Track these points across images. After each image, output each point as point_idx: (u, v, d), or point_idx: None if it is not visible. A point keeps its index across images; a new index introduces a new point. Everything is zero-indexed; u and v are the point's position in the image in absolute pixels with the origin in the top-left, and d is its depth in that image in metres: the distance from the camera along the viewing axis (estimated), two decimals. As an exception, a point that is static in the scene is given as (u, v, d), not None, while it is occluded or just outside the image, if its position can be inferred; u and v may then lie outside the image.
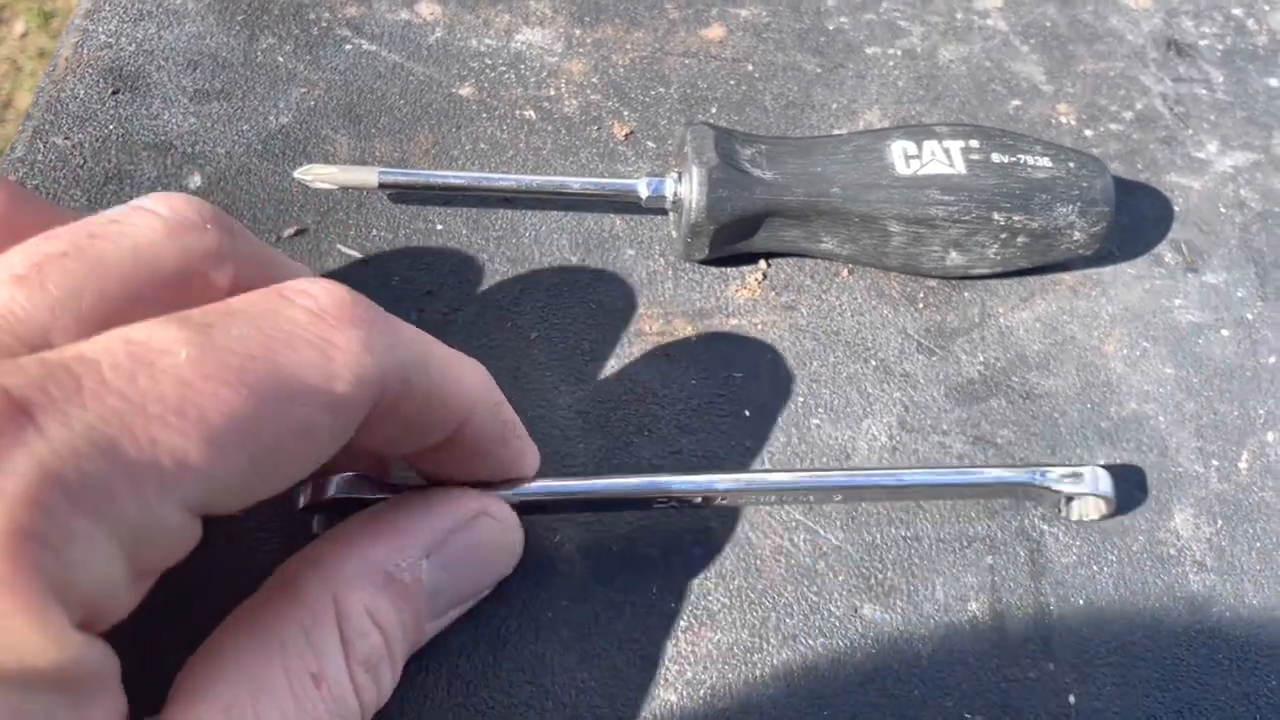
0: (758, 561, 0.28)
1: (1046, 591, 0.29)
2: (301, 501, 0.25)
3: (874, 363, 0.32)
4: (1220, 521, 0.31)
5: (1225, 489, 0.31)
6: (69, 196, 0.32)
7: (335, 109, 0.35)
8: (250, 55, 0.36)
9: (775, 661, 0.27)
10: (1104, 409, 0.32)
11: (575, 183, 0.32)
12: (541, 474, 0.26)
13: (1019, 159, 0.32)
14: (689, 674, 0.27)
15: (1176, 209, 0.37)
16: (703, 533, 0.29)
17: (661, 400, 0.31)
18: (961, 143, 0.32)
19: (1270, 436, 0.32)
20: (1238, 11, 0.43)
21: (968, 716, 0.27)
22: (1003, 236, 0.32)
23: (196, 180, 0.33)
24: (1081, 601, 0.29)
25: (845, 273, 0.34)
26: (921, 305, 0.34)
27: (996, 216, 0.31)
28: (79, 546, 0.15)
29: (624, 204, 0.34)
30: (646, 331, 0.32)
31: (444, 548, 0.23)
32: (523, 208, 0.34)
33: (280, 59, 0.36)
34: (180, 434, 0.16)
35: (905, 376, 0.32)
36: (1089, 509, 0.29)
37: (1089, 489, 0.29)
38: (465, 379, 0.22)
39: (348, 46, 0.37)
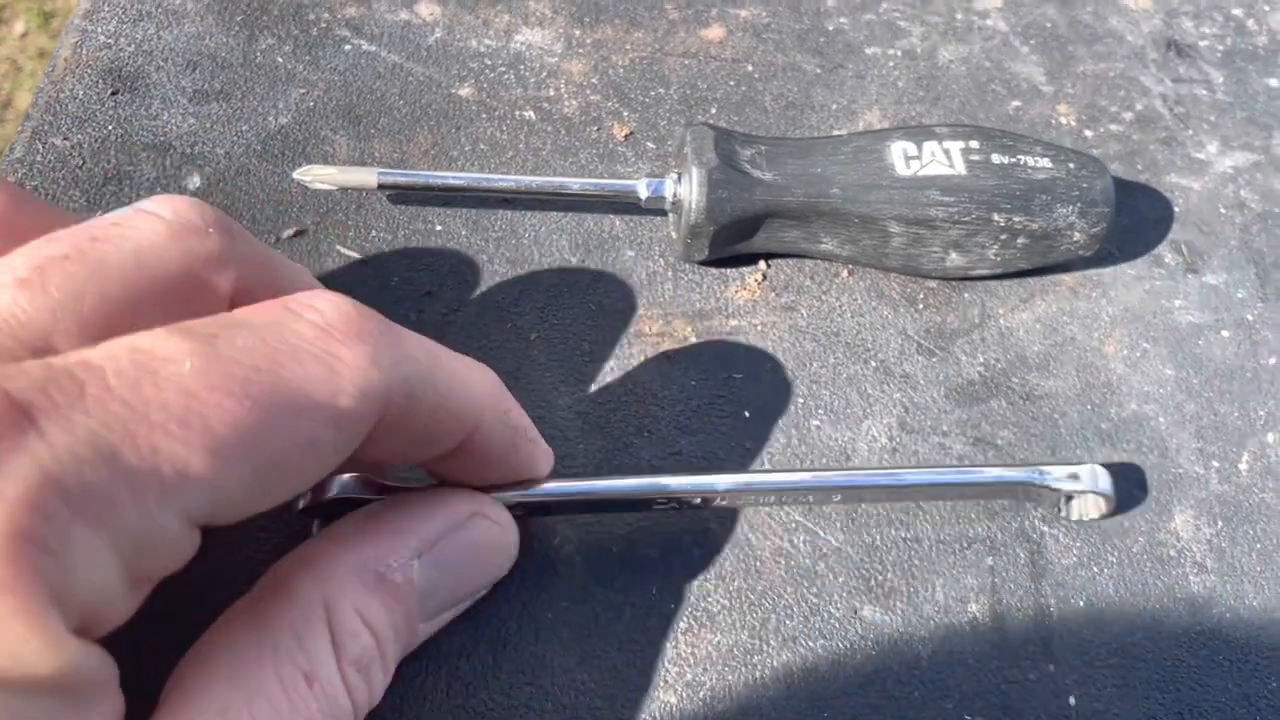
0: (758, 563, 0.28)
1: (1047, 593, 0.29)
2: (301, 504, 0.25)
3: (874, 364, 0.32)
4: (1220, 523, 0.31)
5: (1225, 490, 0.31)
6: (68, 197, 0.32)
7: (334, 109, 0.35)
8: (249, 56, 0.36)
9: (775, 663, 0.27)
10: (1104, 410, 0.32)
11: (575, 183, 0.32)
12: None
13: (1019, 160, 0.32)
14: (689, 675, 0.27)
15: (1176, 210, 0.37)
16: (702, 534, 0.29)
17: (661, 401, 0.31)
18: (961, 143, 0.32)
19: (1270, 438, 0.32)
20: (1238, 12, 0.43)
21: (968, 718, 0.27)
22: (1003, 237, 0.32)
23: (196, 181, 0.33)
24: (1082, 603, 0.29)
25: (845, 274, 0.34)
26: (921, 306, 0.34)
27: (996, 217, 0.31)
28: (78, 552, 0.15)
29: (624, 205, 0.34)
30: (646, 332, 0.32)
31: (436, 548, 0.23)
32: (522, 208, 0.34)
33: (279, 59, 0.36)
34: (183, 444, 0.16)
35: (905, 378, 0.32)
36: (1089, 508, 0.29)
37: (1088, 486, 0.29)
38: (473, 389, 0.22)
39: (347, 47, 0.37)
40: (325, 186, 0.32)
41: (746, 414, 0.31)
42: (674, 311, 0.32)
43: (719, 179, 0.30)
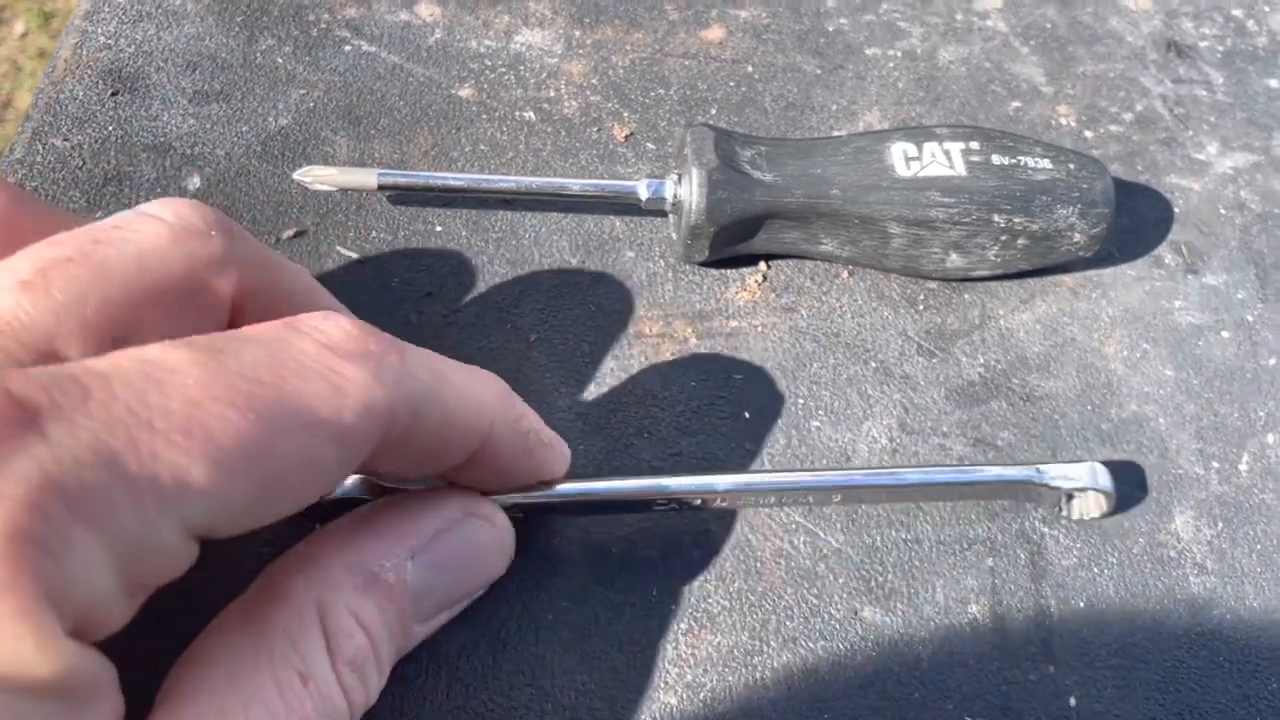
0: (758, 564, 0.28)
1: (1047, 594, 0.29)
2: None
3: (874, 365, 0.32)
4: (1221, 524, 0.31)
5: (1226, 491, 0.31)
6: (68, 198, 0.32)
7: (334, 110, 0.35)
8: (249, 56, 0.36)
9: (775, 664, 0.27)
10: (1104, 411, 0.32)
11: (575, 184, 0.32)
12: None
13: (1019, 161, 0.32)
14: (689, 676, 0.27)
15: (1176, 210, 0.37)
16: (703, 535, 0.29)
17: (661, 402, 0.31)
18: (962, 144, 0.32)
19: (1271, 438, 0.32)
20: (1238, 13, 0.43)
21: (968, 719, 0.27)
22: (1003, 238, 0.32)
23: (196, 182, 0.33)
24: (1082, 604, 0.29)
25: (845, 274, 0.34)
26: (922, 307, 0.34)
27: (997, 218, 0.31)
28: (76, 555, 0.15)
29: (624, 206, 0.34)
30: (646, 333, 0.32)
31: (430, 549, 0.23)
32: (522, 209, 0.34)
33: (279, 60, 0.36)
34: (185, 453, 0.16)
35: (905, 378, 0.32)
36: (1089, 506, 0.29)
37: (1088, 483, 0.29)
38: (480, 402, 0.22)
39: (347, 48, 0.37)
40: (325, 187, 0.32)
41: (746, 415, 0.31)
42: (674, 312, 0.32)
43: (719, 180, 0.30)
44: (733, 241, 0.32)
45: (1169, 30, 0.42)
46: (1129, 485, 0.31)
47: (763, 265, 0.34)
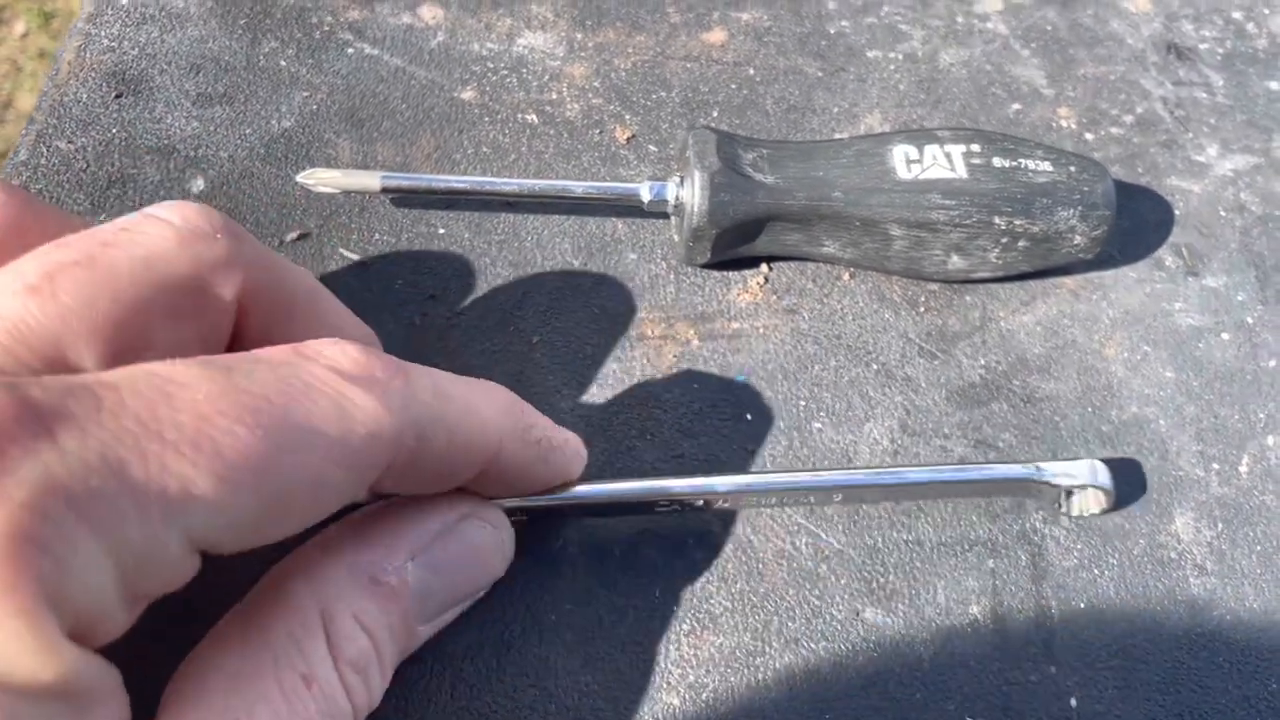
0: (760, 565, 0.29)
1: (1048, 595, 0.29)
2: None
3: (875, 366, 0.32)
4: (1221, 525, 0.31)
5: (1226, 492, 0.31)
6: (72, 200, 0.32)
7: (337, 113, 0.35)
8: (253, 59, 0.36)
9: (777, 665, 0.27)
10: (1105, 412, 0.32)
11: (577, 187, 0.33)
12: None
13: (1020, 163, 0.32)
14: (691, 677, 0.27)
15: (1177, 212, 0.37)
16: (705, 536, 0.29)
17: (663, 404, 0.31)
18: (963, 147, 0.32)
19: (1271, 440, 0.32)
20: (1238, 15, 0.43)
21: (969, 719, 0.27)
22: (1004, 240, 0.32)
23: (199, 184, 0.33)
24: (1083, 605, 0.29)
25: (847, 276, 0.34)
26: (923, 309, 0.34)
27: (998, 220, 0.32)
28: (78, 559, 0.15)
29: (626, 208, 0.34)
30: (648, 335, 0.32)
31: (430, 550, 0.23)
32: (525, 211, 0.34)
33: (283, 63, 0.36)
34: (192, 465, 0.16)
35: (907, 380, 0.32)
36: (1089, 503, 0.29)
37: (1087, 480, 0.29)
38: (486, 418, 0.22)
39: (350, 50, 0.37)
40: (328, 190, 0.32)
41: (748, 417, 0.31)
42: (676, 314, 0.33)
43: (721, 182, 0.31)
44: (735, 244, 0.32)
45: (1169, 33, 0.42)
46: (1130, 487, 0.31)
47: (764, 267, 0.34)
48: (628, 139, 0.36)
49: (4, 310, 0.19)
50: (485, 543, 0.25)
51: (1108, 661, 0.28)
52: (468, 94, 0.36)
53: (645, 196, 0.32)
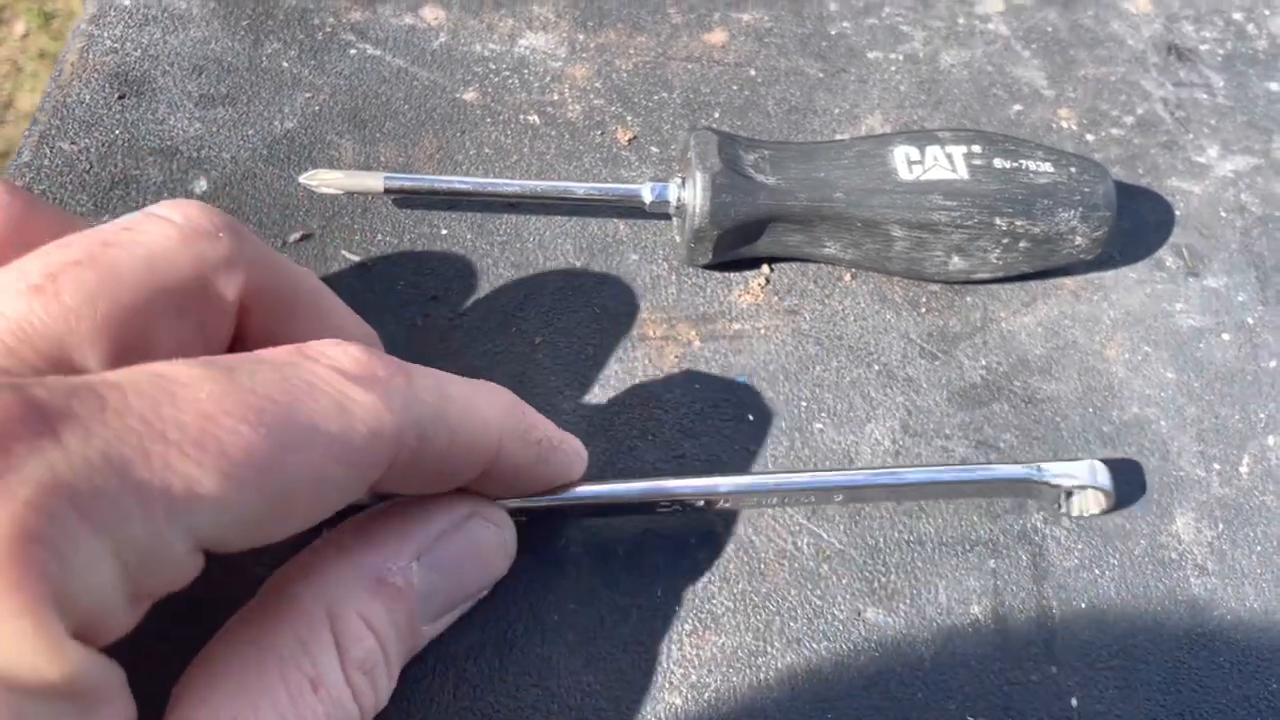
0: (761, 565, 0.29)
1: (1049, 595, 0.29)
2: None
3: (877, 367, 0.32)
4: (1221, 525, 0.31)
5: (1226, 493, 0.31)
6: (75, 201, 0.32)
7: (340, 114, 0.35)
8: (255, 60, 0.36)
9: (779, 665, 0.27)
10: (1105, 413, 0.32)
11: (579, 188, 0.33)
12: None
13: (1021, 164, 0.32)
14: (693, 677, 0.27)
15: (1177, 213, 0.37)
16: (706, 537, 0.29)
17: (665, 405, 0.31)
18: (964, 148, 0.32)
19: (1271, 440, 0.33)
20: (1238, 16, 0.43)
21: (970, 719, 0.27)
22: (1005, 241, 0.32)
23: (202, 185, 0.33)
24: (1084, 605, 0.29)
25: (848, 277, 0.34)
26: (924, 310, 0.34)
27: (999, 221, 0.32)
28: (82, 558, 0.15)
29: (628, 209, 0.34)
30: (650, 336, 0.32)
31: (434, 550, 0.23)
32: (527, 212, 0.34)
33: (285, 64, 0.36)
34: (196, 464, 0.16)
35: (908, 381, 0.32)
36: (1089, 503, 0.29)
37: (1087, 481, 0.29)
38: (487, 419, 0.22)
39: (352, 51, 0.37)
40: (331, 191, 0.32)
41: (750, 417, 0.31)
42: (678, 315, 0.33)
43: (723, 183, 0.31)
44: (736, 244, 0.32)
45: (1170, 34, 0.42)
46: (1130, 487, 0.31)
47: (766, 268, 0.34)
48: (629, 140, 0.36)
49: (8, 310, 0.19)
50: (489, 542, 0.25)
51: (1109, 661, 0.28)
52: (470, 95, 0.36)
53: (647, 197, 0.32)
